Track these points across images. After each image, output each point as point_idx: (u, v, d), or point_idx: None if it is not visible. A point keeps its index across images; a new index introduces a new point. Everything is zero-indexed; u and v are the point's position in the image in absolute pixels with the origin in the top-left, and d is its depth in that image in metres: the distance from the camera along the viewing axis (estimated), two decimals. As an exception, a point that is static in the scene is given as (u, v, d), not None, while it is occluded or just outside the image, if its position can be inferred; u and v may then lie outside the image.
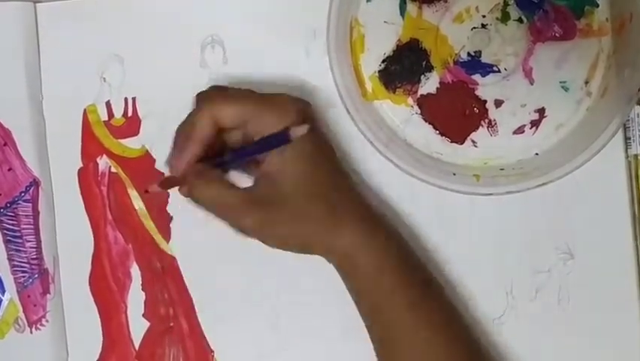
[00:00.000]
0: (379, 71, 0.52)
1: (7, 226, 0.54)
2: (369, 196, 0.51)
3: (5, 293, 0.53)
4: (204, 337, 0.53)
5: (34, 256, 0.53)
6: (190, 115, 0.48)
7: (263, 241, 0.47)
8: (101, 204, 0.54)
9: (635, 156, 0.51)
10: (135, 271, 0.54)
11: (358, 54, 0.52)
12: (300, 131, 0.46)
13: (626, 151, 0.51)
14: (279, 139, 0.46)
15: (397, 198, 0.52)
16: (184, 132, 0.48)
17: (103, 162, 0.54)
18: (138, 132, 0.54)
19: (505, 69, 0.51)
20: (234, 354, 0.53)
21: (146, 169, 0.54)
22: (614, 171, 0.51)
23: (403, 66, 0.51)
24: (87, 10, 0.54)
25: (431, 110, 0.51)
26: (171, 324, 0.54)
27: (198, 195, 0.47)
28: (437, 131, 0.51)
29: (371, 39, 0.51)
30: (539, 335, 0.52)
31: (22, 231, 0.54)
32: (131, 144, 0.54)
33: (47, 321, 0.53)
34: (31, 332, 0.53)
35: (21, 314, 0.53)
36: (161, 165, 0.54)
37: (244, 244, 0.51)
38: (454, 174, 0.49)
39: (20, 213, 0.54)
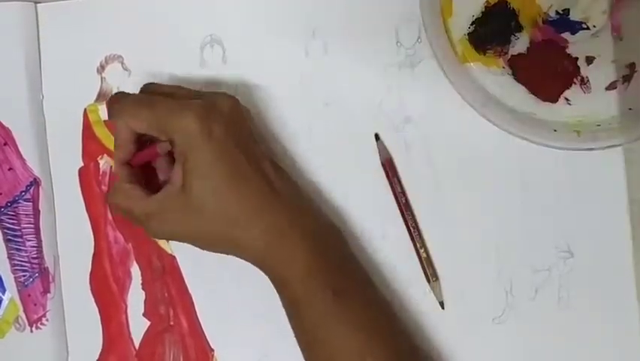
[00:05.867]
0: (469, 34, 0.51)
1: (8, 225, 0.54)
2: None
3: (6, 292, 0.54)
4: (204, 336, 0.53)
5: (35, 256, 0.53)
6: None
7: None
8: (101, 203, 0.54)
9: (635, 155, 0.51)
10: (135, 270, 0.54)
11: (446, 18, 0.51)
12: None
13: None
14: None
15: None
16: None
17: (104, 162, 0.54)
18: (138, 132, 0.54)
19: (594, 26, 0.51)
20: (234, 353, 0.53)
21: (146, 169, 0.54)
22: (613, 171, 0.51)
23: (492, 27, 0.51)
24: (87, 10, 0.55)
25: (523, 70, 0.51)
26: (171, 323, 0.54)
27: (109, 205, 0.50)
28: (530, 91, 0.51)
29: (459, 2, 0.51)
30: (539, 333, 0.52)
31: (23, 230, 0.54)
32: (131, 144, 0.54)
33: (47, 320, 0.53)
34: (31, 331, 0.53)
35: (21, 313, 0.53)
36: (162, 165, 0.54)
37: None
38: (555, 131, 0.49)
39: (21, 212, 0.54)
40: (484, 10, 0.52)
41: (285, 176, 0.50)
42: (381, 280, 0.52)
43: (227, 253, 0.48)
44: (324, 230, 0.49)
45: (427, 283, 0.52)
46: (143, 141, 0.49)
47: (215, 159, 0.45)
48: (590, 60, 0.51)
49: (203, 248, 0.48)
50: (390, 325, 0.48)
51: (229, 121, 0.47)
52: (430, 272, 0.51)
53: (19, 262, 0.54)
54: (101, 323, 0.54)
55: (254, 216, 0.46)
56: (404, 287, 0.52)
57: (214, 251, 0.48)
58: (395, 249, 0.52)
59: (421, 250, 0.51)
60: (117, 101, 0.48)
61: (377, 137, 0.53)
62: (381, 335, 0.46)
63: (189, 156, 0.45)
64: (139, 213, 0.47)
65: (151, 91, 0.49)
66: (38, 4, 0.55)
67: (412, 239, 0.51)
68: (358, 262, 0.50)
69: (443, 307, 0.52)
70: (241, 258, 0.47)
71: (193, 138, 0.45)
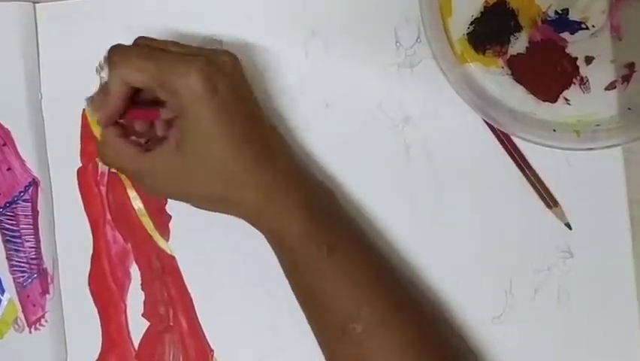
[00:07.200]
0: (468, 34, 0.51)
1: (7, 225, 0.54)
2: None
3: (4, 293, 0.53)
4: (204, 336, 0.53)
5: (34, 256, 0.53)
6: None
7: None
8: (100, 203, 0.54)
9: (635, 154, 0.51)
10: (134, 270, 0.54)
11: (445, 18, 0.51)
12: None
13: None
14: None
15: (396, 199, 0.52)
16: (103, 89, 0.48)
17: (102, 162, 0.54)
18: (138, 132, 0.54)
19: (593, 26, 0.51)
20: (234, 354, 0.53)
21: (145, 169, 0.54)
22: (613, 171, 0.51)
23: (491, 27, 0.51)
24: (86, 10, 0.54)
25: (522, 70, 0.51)
26: (171, 323, 0.54)
27: (100, 157, 0.49)
28: (529, 91, 0.51)
29: (458, 2, 0.51)
30: (539, 334, 0.52)
31: (22, 231, 0.54)
32: (131, 144, 0.54)
33: (46, 321, 0.53)
34: (30, 332, 0.53)
35: (20, 314, 0.53)
36: (161, 165, 0.54)
37: (244, 244, 0.51)
38: (554, 131, 0.49)
39: (19, 213, 0.54)
40: (483, 10, 0.51)
41: (281, 138, 0.50)
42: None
43: (223, 212, 0.48)
44: (317, 190, 0.50)
45: (429, 282, 0.52)
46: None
47: (216, 118, 0.45)
48: (589, 60, 0.51)
49: (198, 207, 0.48)
50: (387, 278, 0.48)
51: (232, 80, 0.46)
52: (548, 198, 0.51)
53: (17, 263, 0.53)
54: (101, 324, 0.54)
55: (250, 176, 0.46)
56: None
57: (209, 210, 0.48)
58: (400, 243, 0.52)
59: (533, 179, 0.51)
60: (119, 53, 0.46)
61: None
62: (377, 287, 0.47)
63: (189, 113, 0.45)
64: (132, 170, 0.48)
65: (145, 45, 0.48)
66: (37, 4, 0.54)
67: (522, 169, 0.52)
68: (352, 220, 0.50)
69: (570, 228, 0.51)
70: (236, 216, 0.48)
71: (196, 94, 0.44)
